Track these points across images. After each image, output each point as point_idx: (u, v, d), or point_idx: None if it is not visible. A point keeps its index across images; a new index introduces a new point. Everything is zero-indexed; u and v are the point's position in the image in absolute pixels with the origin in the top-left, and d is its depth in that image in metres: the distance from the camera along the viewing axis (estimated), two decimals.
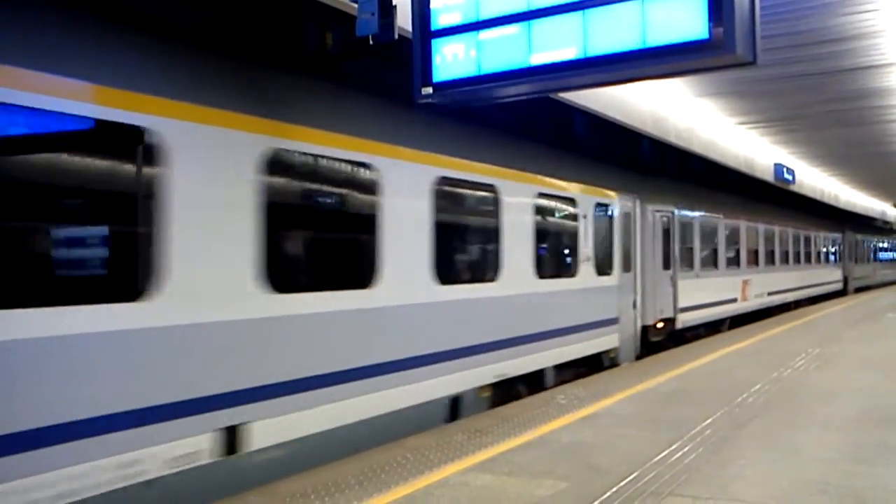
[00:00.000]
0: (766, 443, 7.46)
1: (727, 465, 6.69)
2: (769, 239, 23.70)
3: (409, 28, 5.98)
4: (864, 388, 10.39)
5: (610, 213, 13.12)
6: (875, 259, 45.62)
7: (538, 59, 5.37)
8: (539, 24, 5.31)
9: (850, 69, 12.27)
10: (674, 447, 7.25)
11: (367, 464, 6.86)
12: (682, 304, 15.95)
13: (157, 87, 5.71)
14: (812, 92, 13.79)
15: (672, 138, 14.84)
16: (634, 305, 13.96)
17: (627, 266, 13.71)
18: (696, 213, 17.68)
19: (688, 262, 16.82)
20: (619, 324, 13.11)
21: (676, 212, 16.10)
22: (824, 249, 32.08)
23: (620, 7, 5.05)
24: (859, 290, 38.32)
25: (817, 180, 26.77)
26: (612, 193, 13.21)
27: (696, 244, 17.39)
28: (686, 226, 16.83)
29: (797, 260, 27.17)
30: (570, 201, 11.82)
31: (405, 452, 7.24)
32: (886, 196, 38.04)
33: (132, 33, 5.96)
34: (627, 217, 13.84)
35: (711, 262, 18.63)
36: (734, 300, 20.08)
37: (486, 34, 5.56)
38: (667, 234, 15.56)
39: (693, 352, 14.48)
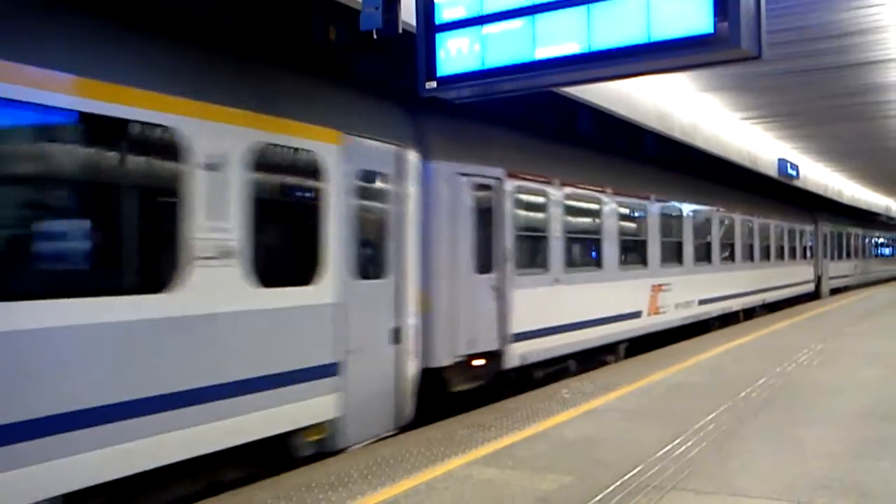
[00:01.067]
0: (769, 437, 7.47)
1: (731, 459, 6.70)
2: (702, 227, 17.79)
3: (413, 22, 5.97)
4: (867, 383, 10.39)
5: (310, 166, 7.22)
6: (858, 255, 38.42)
7: (542, 52, 5.36)
8: (543, 19, 5.29)
9: (855, 64, 12.24)
10: (677, 441, 7.26)
11: (373, 457, 6.88)
12: (519, 326, 10.36)
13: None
14: (817, 87, 13.75)
15: (675, 133, 14.80)
16: (396, 337, 8.24)
17: (376, 267, 8.11)
18: (555, 184, 11.72)
19: (535, 259, 11.27)
20: (342, 374, 7.37)
21: (507, 179, 10.44)
22: (789, 243, 25.72)
23: (625, 1, 5.03)
24: (837, 291, 32.45)
25: (821, 175, 26.69)
26: (319, 131, 7.31)
27: (554, 232, 11.60)
28: (532, 204, 11.28)
29: (748, 256, 21.23)
30: (155, 132, 5.87)
31: (409, 446, 7.26)
32: (891, 191, 37.87)
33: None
34: (375, 179, 8.12)
35: (587, 259, 12.94)
36: (634, 315, 14.05)
37: (490, 28, 5.55)
38: (485, 214, 10.06)
39: (697, 347, 14.47)
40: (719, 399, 9.23)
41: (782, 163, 21.31)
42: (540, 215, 11.39)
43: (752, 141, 19.10)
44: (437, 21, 5.78)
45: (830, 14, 9.99)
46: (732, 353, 13.58)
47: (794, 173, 22.21)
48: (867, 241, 41.40)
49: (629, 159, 16.02)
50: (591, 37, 5.16)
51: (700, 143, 16.02)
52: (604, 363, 12.93)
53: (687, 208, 16.95)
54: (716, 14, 4.72)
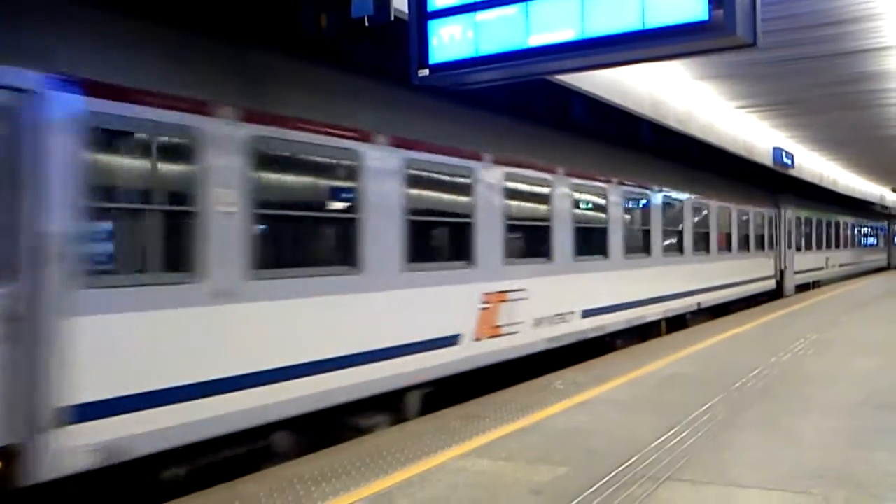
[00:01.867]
0: (764, 428, 7.45)
1: (725, 449, 6.67)
2: (589, 208, 12.69)
3: (405, 9, 5.90)
4: (862, 373, 10.38)
5: None
6: (833, 245, 33.34)
7: (536, 40, 5.29)
8: (537, 5, 5.22)
9: (850, 52, 12.16)
10: (672, 432, 7.23)
11: (367, 448, 6.84)
12: (95, 388, 5.47)
13: None
14: (812, 75, 13.67)
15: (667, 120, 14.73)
16: None
17: None
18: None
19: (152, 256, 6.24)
20: None
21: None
22: (740, 230, 20.80)
23: None
24: (803, 287, 27.72)
25: (816, 164, 26.65)
26: None
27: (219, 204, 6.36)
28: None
29: (676, 247, 16.32)
30: None
31: (403, 437, 7.21)
32: (885, 180, 37.86)
33: None
34: None
35: (305, 253, 7.65)
36: (441, 343, 8.87)
37: (483, 15, 5.47)
38: None
39: (691, 337, 14.45)
40: (713, 390, 9.21)
41: (777, 151, 21.26)
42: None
43: (748, 130, 19.05)
44: (430, 8, 5.71)
45: (826, 2, 9.91)
46: (727, 343, 13.57)
47: (788, 162, 22.16)
48: (845, 228, 36.18)
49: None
50: (586, 24, 5.10)
51: (695, 131, 15.95)
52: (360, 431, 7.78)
53: (560, 182, 11.47)
54: (711, 1, 4.67)
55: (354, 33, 6.69)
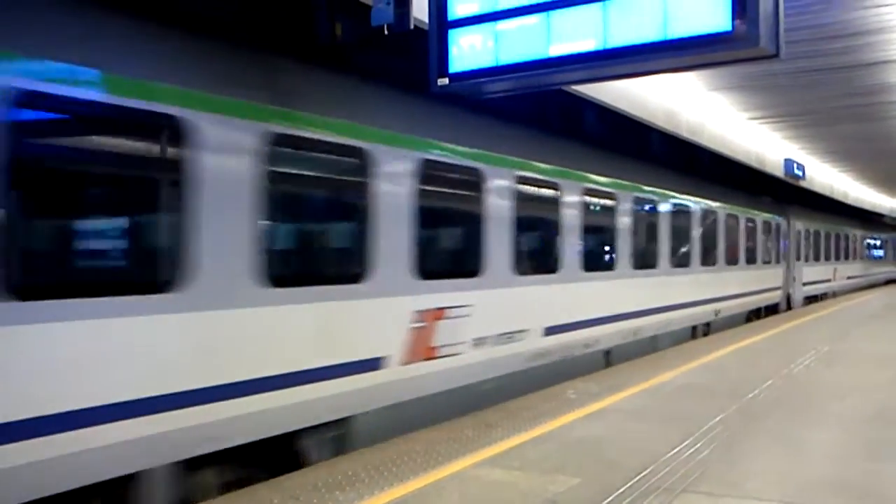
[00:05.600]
0: (779, 439, 7.41)
1: (741, 461, 6.63)
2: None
3: (426, 18, 5.91)
4: (876, 385, 10.32)
5: None
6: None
7: (557, 49, 5.30)
8: (559, 15, 5.24)
9: (869, 64, 12.15)
10: (686, 443, 7.20)
11: (380, 457, 6.82)
12: None
13: None
14: (829, 86, 13.66)
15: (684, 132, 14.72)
16: None
17: None
18: None
19: None
20: None
21: None
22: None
23: None
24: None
25: (826, 176, 26.58)
26: None
27: None
28: None
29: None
30: None
31: (416, 446, 7.20)
32: None
33: None
34: None
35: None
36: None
37: (504, 24, 5.49)
38: None
39: (703, 348, 14.40)
40: (727, 400, 9.17)
41: (789, 163, 21.24)
42: None
43: (760, 141, 19.01)
44: (450, 17, 5.74)
45: (843, 13, 9.91)
46: (739, 354, 13.51)
47: (800, 173, 22.13)
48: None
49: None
50: (608, 34, 5.10)
51: (707, 142, 15.93)
52: None
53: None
54: (734, 12, 4.67)
55: (372, 42, 6.71)
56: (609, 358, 12.49)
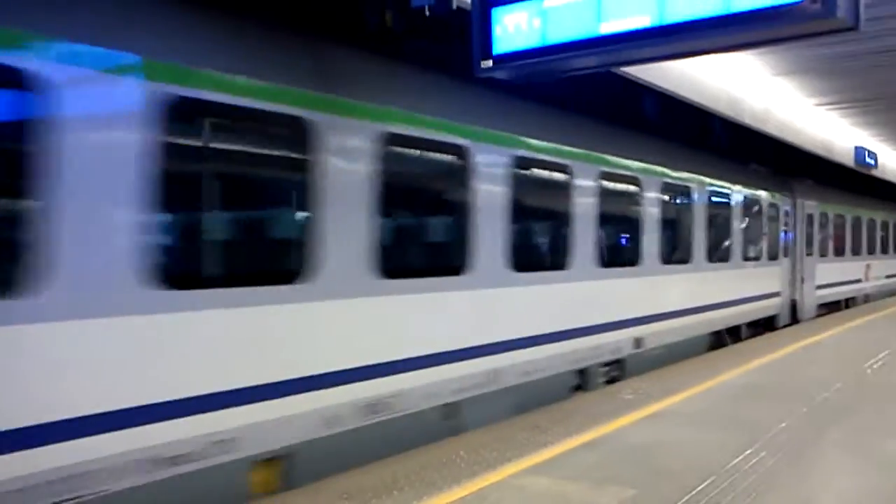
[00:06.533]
0: (852, 450, 6.85)
1: (810, 474, 6.12)
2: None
3: None
4: None
5: None
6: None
7: (609, 27, 4.88)
8: None
9: None
10: (749, 451, 6.70)
11: (420, 462, 6.52)
12: None
13: None
14: None
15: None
16: None
17: None
18: None
19: None
20: None
21: None
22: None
23: None
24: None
25: None
26: None
27: None
28: None
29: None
30: None
31: (460, 450, 6.86)
32: None
33: None
34: None
35: None
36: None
37: (551, 1, 5.09)
38: None
39: (763, 347, 13.73)
40: (793, 404, 8.60)
41: (860, 151, 20.21)
42: None
43: (828, 128, 18.11)
44: None
45: None
46: (804, 353, 12.82)
47: (871, 162, 21.06)
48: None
49: None
50: (664, 8, 4.66)
51: (773, 129, 15.18)
52: None
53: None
54: None
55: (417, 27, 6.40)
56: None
